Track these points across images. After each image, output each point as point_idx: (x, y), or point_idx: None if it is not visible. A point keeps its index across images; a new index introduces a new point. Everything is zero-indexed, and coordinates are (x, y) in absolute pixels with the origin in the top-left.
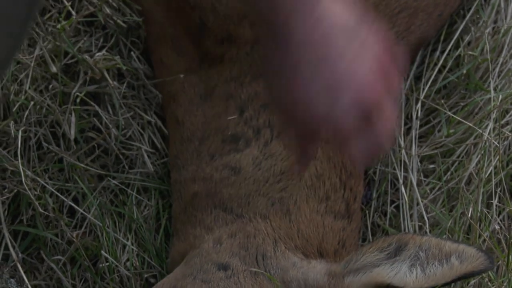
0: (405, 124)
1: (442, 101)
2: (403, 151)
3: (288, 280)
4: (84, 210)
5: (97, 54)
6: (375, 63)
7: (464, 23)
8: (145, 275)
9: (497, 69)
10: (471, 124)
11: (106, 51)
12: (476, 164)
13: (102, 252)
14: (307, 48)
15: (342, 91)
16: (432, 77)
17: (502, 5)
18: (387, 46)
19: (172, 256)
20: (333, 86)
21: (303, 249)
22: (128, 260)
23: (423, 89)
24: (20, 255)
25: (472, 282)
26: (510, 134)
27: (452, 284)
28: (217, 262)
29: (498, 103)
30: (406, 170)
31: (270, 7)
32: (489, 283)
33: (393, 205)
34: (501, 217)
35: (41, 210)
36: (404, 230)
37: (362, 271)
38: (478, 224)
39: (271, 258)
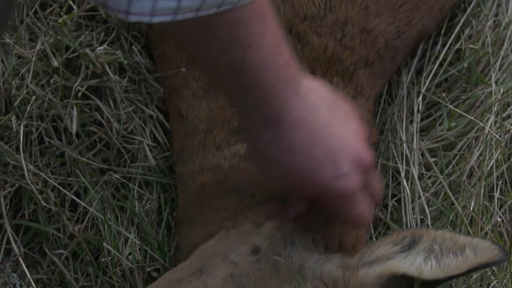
0: (407, 117)
1: (444, 95)
2: (404, 145)
3: (306, 268)
4: (86, 204)
5: (99, 48)
6: (357, 127)
7: (465, 16)
8: (148, 269)
9: (498, 63)
10: (472, 118)
11: (107, 45)
12: (478, 158)
13: (104, 245)
14: (301, 124)
15: (341, 157)
16: (433, 70)
17: None
18: (357, 111)
19: (191, 243)
20: (332, 154)
21: (326, 241)
22: (130, 254)
23: (424, 82)
24: (22, 249)
25: (475, 276)
26: (511, 127)
27: (455, 278)
28: (254, 244)
29: (499, 97)
30: (407, 164)
31: (263, 102)
32: (491, 277)
33: (394, 199)
34: (502, 210)
35: (43, 204)
36: (406, 224)
37: (376, 263)
38: (480, 217)
39: (297, 246)
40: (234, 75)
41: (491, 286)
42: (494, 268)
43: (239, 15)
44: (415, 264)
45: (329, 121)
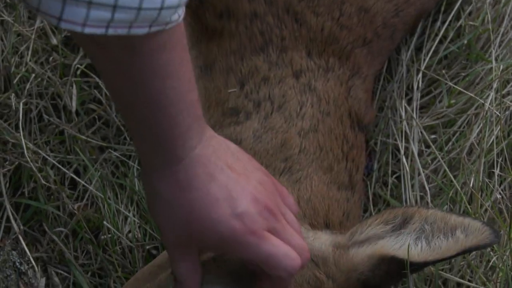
0: (406, 95)
1: (443, 72)
2: (404, 122)
3: None
4: (85, 182)
5: None
6: (264, 177)
7: None
8: (147, 247)
9: (498, 39)
10: (472, 95)
11: None
12: (478, 134)
13: (104, 223)
14: (202, 162)
15: (239, 197)
16: (433, 47)
17: None
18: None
19: None
20: (229, 193)
21: (310, 220)
22: (130, 231)
23: (424, 59)
24: (21, 227)
25: (474, 252)
26: (511, 104)
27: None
28: None
29: (499, 73)
30: (407, 141)
31: (169, 137)
32: (491, 253)
33: (394, 176)
34: (502, 186)
35: (42, 182)
36: (406, 200)
37: (367, 243)
38: (479, 194)
39: None
40: (147, 106)
41: (490, 262)
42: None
43: (166, 39)
44: (405, 245)
45: (232, 165)
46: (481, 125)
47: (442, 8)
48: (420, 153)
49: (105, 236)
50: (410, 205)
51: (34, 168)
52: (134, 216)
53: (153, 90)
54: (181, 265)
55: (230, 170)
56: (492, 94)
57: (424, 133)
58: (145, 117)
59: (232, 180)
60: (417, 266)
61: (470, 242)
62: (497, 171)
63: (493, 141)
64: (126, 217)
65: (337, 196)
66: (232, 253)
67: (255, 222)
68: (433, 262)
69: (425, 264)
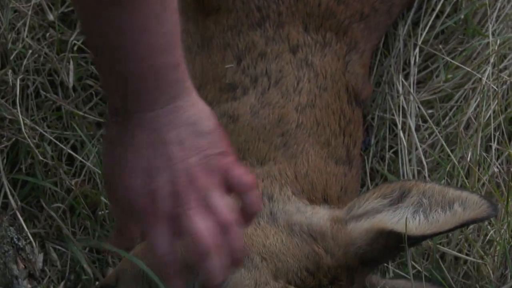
0: (403, 69)
1: (440, 46)
2: (401, 97)
3: (292, 223)
4: (83, 158)
5: None
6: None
7: None
8: None
9: (495, 14)
10: (469, 69)
11: None
12: (475, 109)
13: (102, 198)
14: (146, 126)
15: (159, 172)
16: (430, 22)
17: None
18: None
19: None
20: (152, 167)
21: (308, 195)
22: None
23: (421, 34)
24: (19, 203)
25: (472, 226)
26: (508, 78)
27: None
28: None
29: (496, 48)
30: (404, 116)
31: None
32: (488, 227)
33: (391, 151)
34: (500, 160)
35: (40, 158)
36: (403, 175)
37: (365, 217)
38: (477, 168)
39: (277, 200)
40: (116, 55)
41: (488, 236)
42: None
43: None
44: (403, 219)
45: (183, 140)
46: (478, 99)
47: None
48: (417, 128)
49: (102, 212)
50: (408, 179)
51: (32, 144)
52: None
53: (128, 42)
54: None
55: (173, 145)
56: (489, 68)
57: (421, 107)
58: (113, 65)
59: (165, 156)
60: (415, 240)
61: (468, 215)
62: (494, 145)
63: (490, 115)
64: None
65: (334, 170)
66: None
67: (159, 204)
68: (431, 236)
69: (423, 237)
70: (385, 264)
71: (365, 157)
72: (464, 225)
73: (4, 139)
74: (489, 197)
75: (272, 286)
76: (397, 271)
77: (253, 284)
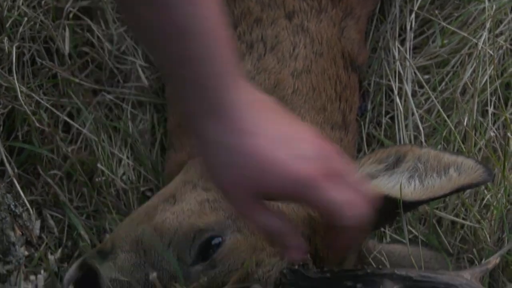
0: (399, 35)
1: (436, 12)
2: (397, 62)
3: None
4: (79, 125)
5: None
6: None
7: None
8: (142, 189)
9: None
10: (465, 34)
11: None
12: (471, 74)
13: (99, 165)
14: (255, 107)
15: (297, 139)
16: None
17: None
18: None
19: (169, 167)
20: (287, 136)
21: None
22: (124, 174)
23: (417, 0)
24: (16, 170)
25: (468, 190)
26: (504, 43)
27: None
28: None
29: (492, 13)
30: (401, 81)
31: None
32: (485, 191)
33: (388, 116)
34: (496, 125)
35: (36, 125)
36: (399, 140)
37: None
38: (473, 133)
39: None
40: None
41: (485, 200)
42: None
43: None
44: (398, 184)
45: (284, 114)
46: (475, 64)
47: None
48: (414, 93)
49: (99, 179)
50: (403, 144)
51: (28, 112)
52: (128, 158)
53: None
54: (260, 218)
55: (284, 117)
56: (485, 33)
57: (418, 73)
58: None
59: (287, 124)
60: (411, 205)
61: (463, 180)
62: (490, 110)
63: (486, 80)
64: (120, 160)
65: (330, 135)
66: (292, 197)
67: (314, 166)
68: (427, 201)
69: (419, 202)
70: (382, 229)
71: (362, 123)
72: (460, 190)
73: (0, 106)
74: (485, 162)
75: (268, 252)
76: (395, 235)
77: (250, 249)
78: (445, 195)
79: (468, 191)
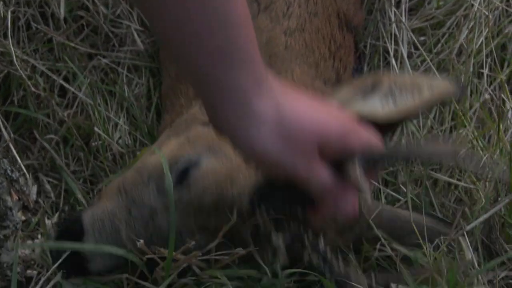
0: None
1: None
2: (393, 24)
3: None
4: (75, 90)
5: None
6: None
7: None
8: (138, 153)
9: None
10: None
11: None
12: (467, 36)
13: (95, 129)
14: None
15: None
16: None
17: None
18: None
19: (162, 129)
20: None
21: None
22: (120, 138)
23: None
24: (12, 135)
25: (463, 151)
26: (500, 4)
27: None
28: (203, 120)
29: None
30: (396, 43)
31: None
32: (481, 152)
33: None
34: (492, 87)
35: (32, 90)
36: None
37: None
38: (469, 94)
39: None
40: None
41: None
42: (483, 143)
43: None
44: (371, 105)
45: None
46: (470, 26)
47: None
48: (410, 55)
49: (95, 143)
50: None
51: (24, 76)
52: (124, 122)
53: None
54: (320, 177)
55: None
56: None
57: (413, 35)
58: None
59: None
60: (389, 127)
61: (435, 96)
62: (486, 71)
63: (482, 41)
64: (116, 124)
65: (322, 89)
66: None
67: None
68: (402, 119)
69: (395, 123)
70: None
71: None
72: (431, 105)
73: None
74: (481, 124)
75: (243, 173)
76: (393, 193)
77: (225, 171)
78: (418, 112)
79: (463, 151)
